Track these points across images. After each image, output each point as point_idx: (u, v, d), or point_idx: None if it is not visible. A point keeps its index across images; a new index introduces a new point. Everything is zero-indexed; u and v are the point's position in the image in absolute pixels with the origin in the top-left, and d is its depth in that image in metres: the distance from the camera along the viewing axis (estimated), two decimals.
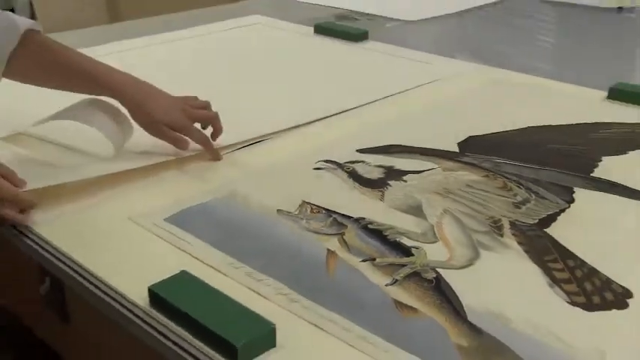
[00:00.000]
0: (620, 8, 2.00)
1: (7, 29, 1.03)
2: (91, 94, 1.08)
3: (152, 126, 1.06)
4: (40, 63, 1.07)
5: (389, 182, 1.01)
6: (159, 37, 1.73)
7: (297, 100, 1.35)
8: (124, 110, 1.07)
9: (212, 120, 1.09)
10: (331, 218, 0.92)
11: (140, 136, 1.08)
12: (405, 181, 1.02)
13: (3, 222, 0.89)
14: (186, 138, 1.06)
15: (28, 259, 0.89)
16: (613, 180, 1.03)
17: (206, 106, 1.12)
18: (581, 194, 0.99)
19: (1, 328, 1.12)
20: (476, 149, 1.12)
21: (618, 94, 1.33)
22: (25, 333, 1.05)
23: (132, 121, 1.08)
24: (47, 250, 0.86)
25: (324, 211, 0.93)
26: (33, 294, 0.94)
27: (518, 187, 1.01)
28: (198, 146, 1.07)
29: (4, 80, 1.06)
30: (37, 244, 0.87)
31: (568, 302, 0.76)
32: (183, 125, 1.06)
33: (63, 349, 0.98)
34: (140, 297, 0.74)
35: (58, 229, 0.88)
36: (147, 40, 1.70)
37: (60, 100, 1.09)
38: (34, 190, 0.93)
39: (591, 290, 0.77)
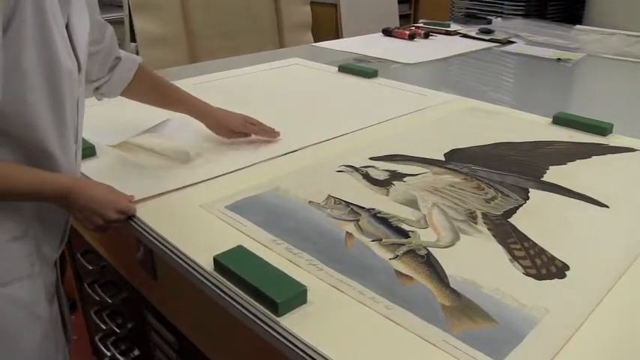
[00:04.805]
0: (558, 59, 2.02)
1: (129, 60, 1.05)
2: (182, 113, 1.12)
3: (227, 133, 1.13)
4: (148, 88, 1.09)
5: (393, 182, 0.99)
6: (225, 74, 1.72)
7: (325, 120, 1.33)
8: (194, 128, 1.11)
9: (262, 125, 1.16)
10: (349, 208, 0.90)
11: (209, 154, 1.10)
12: (405, 181, 1.00)
13: (117, 222, 0.86)
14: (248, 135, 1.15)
15: (129, 233, 0.89)
16: (557, 183, 1.01)
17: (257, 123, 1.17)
18: (534, 193, 0.97)
19: (112, 281, 1.12)
20: (457, 158, 1.10)
21: (560, 120, 1.31)
22: (126, 284, 1.05)
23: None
24: (142, 227, 0.85)
25: (344, 203, 0.92)
26: (132, 258, 0.94)
27: (489, 187, 0.99)
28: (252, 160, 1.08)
29: (115, 102, 1.07)
30: (135, 222, 0.86)
31: (523, 273, 0.75)
32: (245, 130, 1.14)
33: (151, 298, 0.98)
34: (207, 263, 0.74)
35: (150, 213, 0.87)
36: (218, 76, 1.69)
37: (150, 117, 1.09)
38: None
39: (540, 265, 0.77)
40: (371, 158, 1.09)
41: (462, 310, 0.67)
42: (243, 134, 1.14)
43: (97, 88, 1.04)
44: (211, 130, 1.13)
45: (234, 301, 0.68)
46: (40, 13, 0.72)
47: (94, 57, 0.97)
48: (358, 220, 0.86)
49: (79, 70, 0.83)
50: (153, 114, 1.12)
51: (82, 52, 0.83)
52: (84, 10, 0.85)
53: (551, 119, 1.33)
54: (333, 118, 1.35)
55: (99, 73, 1.02)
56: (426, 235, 0.83)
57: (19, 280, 0.80)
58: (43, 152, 0.79)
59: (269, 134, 1.16)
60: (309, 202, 0.92)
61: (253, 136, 1.15)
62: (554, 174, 1.05)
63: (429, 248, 0.79)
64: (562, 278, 0.74)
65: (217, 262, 0.72)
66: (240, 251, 0.75)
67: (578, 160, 1.12)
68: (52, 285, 0.89)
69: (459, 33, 2.46)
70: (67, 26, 0.80)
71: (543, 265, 0.76)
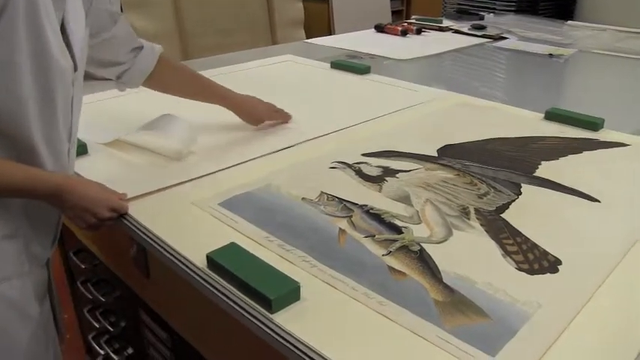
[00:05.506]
0: (550, 55, 2.02)
1: (151, 50, 1.06)
2: (211, 103, 1.15)
3: (256, 122, 1.20)
4: (173, 79, 1.11)
5: (385, 178, 0.99)
6: (218, 70, 1.71)
7: (318, 117, 1.33)
8: (186, 126, 1.10)
9: (284, 112, 1.25)
10: (342, 204, 0.90)
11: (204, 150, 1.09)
12: (398, 177, 1.00)
13: (110, 220, 0.85)
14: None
15: (121, 231, 0.88)
16: (549, 178, 1.01)
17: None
18: (526, 189, 0.98)
19: (105, 279, 1.12)
20: (450, 154, 1.10)
21: (551, 115, 1.32)
22: (119, 282, 1.04)
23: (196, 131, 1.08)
24: (134, 225, 0.85)
25: (337, 199, 0.91)
26: (125, 256, 0.94)
27: (481, 182, 0.99)
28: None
29: (108, 100, 1.06)
30: (127, 220, 0.86)
31: (516, 268, 0.75)
32: (269, 116, 1.22)
33: (145, 296, 0.97)
34: (200, 261, 0.73)
35: (143, 211, 0.87)
36: (211, 73, 1.68)
37: (142, 115, 1.08)
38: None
39: (532, 259, 0.77)
40: (363, 154, 1.09)
41: (455, 305, 0.67)
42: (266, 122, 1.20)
43: (118, 77, 1.04)
44: (242, 119, 1.18)
45: (228, 298, 0.68)
46: (32, 5, 0.71)
47: (105, 44, 0.97)
48: (351, 217, 0.86)
49: (75, 69, 0.82)
50: (145, 111, 1.11)
51: (79, 51, 0.82)
52: (79, 9, 0.84)
53: (543, 115, 1.33)
54: (326, 114, 1.35)
55: (117, 59, 1.02)
56: (419, 231, 0.83)
57: (8, 280, 0.80)
58: (29, 148, 0.78)
59: (285, 118, 1.24)
60: (302, 198, 0.91)
61: (266, 122, 1.21)
62: (546, 169, 1.05)
63: (422, 244, 0.79)
64: (554, 273, 0.74)
65: (210, 260, 0.72)
66: (233, 248, 0.74)
67: (569, 156, 1.12)
68: (44, 284, 0.88)
69: (452, 29, 2.47)
70: (62, 25, 0.79)
71: (536, 260, 0.77)
